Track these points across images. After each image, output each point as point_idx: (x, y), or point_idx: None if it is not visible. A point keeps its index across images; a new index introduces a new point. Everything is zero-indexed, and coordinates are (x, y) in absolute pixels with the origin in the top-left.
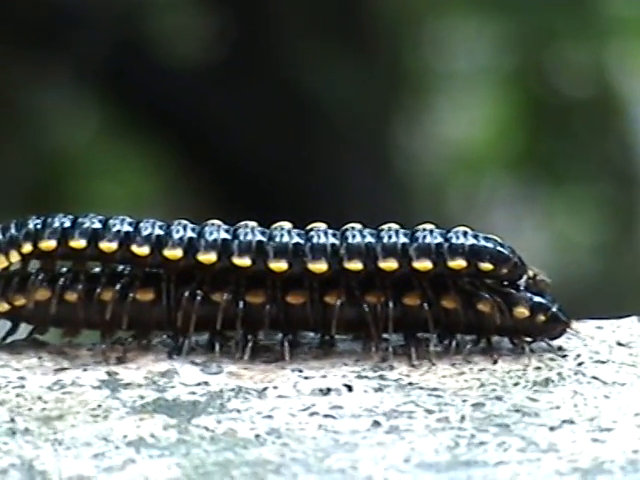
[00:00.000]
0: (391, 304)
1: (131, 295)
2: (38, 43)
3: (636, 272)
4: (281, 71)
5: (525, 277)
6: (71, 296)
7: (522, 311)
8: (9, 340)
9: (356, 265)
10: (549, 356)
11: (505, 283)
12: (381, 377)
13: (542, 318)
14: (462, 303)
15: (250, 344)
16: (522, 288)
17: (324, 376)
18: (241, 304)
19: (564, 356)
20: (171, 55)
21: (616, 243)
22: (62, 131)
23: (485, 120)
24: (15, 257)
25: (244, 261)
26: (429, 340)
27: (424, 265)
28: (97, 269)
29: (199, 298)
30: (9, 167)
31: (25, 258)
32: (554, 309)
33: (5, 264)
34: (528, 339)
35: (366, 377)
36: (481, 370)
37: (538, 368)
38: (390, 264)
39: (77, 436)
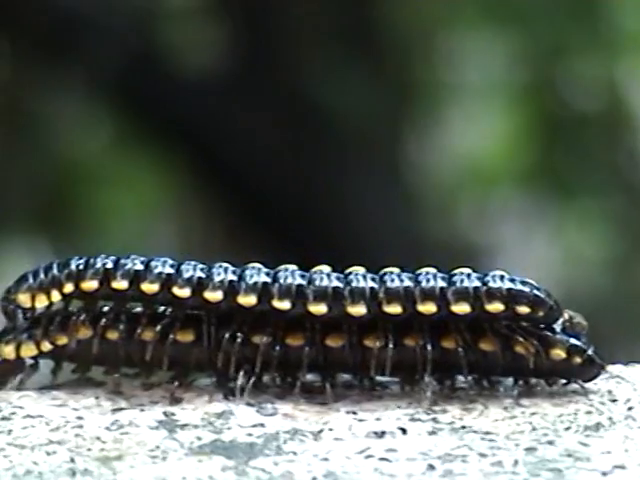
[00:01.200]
0: (429, 347)
1: (172, 336)
2: (53, 52)
3: None
4: (293, 82)
5: (561, 319)
6: (112, 335)
7: (559, 353)
8: (58, 379)
9: (395, 309)
10: (599, 400)
11: (541, 326)
12: (434, 420)
13: (578, 360)
14: (500, 346)
15: (299, 385)
16: (558, 330)
17: (378, 419)
18: (279, 346)
19: (614, 401)
20: (183, 66)
21: (626, 257)
22: (75, 140)
23: (496, 133)
24: (56, 297)
25: (284, 304)
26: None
27: (462, 308)
28: (138, 309)
29: (239, 340)
30: (22, 174)
31: (66, 298)
32: (590, 352)
33: (46, 303)
34: (563, 381)
35: (419, 420)
36: (532, 414)
37: (589, 412)
38: (429, 307)
39: (136, 477)
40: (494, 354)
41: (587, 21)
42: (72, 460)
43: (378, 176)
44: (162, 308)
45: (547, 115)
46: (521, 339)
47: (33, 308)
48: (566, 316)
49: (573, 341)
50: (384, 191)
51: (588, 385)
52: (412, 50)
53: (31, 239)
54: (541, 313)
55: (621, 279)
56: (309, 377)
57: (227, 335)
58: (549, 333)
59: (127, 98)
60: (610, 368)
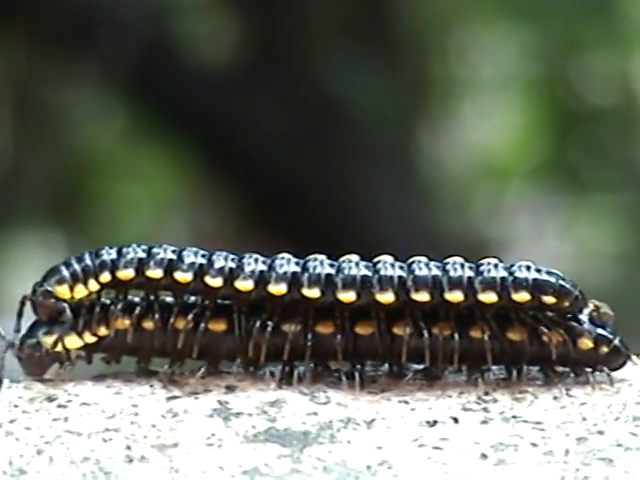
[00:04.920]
0: (457, 336)
1: (203, 325)
2: (67, 44)
3: None
4: (307, 75)
5: (588, 309)
6: (148, 324)
7: (586, 343)
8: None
9: (423, 296)
10: None
11: (567, 316)
12: (485, 410)
13: (605, 350)
14: (527, 335)
15: (358, 375)
16: (585, 320)
17: (430, 408)
18: (310, 335)
19: None
20: (197, 58)
21: (638, 251)
22: (89, 132)
23: (510, 128)
24: (94, 287)
25: (313, 292)
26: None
27: (489, 298)
28: (169, 299)
29: (269, 329)
30: (36, 167)
31: (103, 288)
32: (616, 341)
33: (85, 293)
34: (589, 370)
35: (471, 409)
36: (582, 404)
37: (637, 403)
38: (456, 296)
39: (193, 464)
40: (521, 344)
41: (601, 16)
42: (128, 447)
43: (393, 170)
44: (192, 298)
45: (560, 110)
46: (548, 329)
47: (72, 299)
48: (592, 306)
49: (600, 331)
50: (398, 185)
51: (614, 374)
52: (427, 45)
53: (45, 232)
54: (567, 303)
55: (633, 272)
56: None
57: (258, 324)
58: (575, 323)
59: (141, 90)
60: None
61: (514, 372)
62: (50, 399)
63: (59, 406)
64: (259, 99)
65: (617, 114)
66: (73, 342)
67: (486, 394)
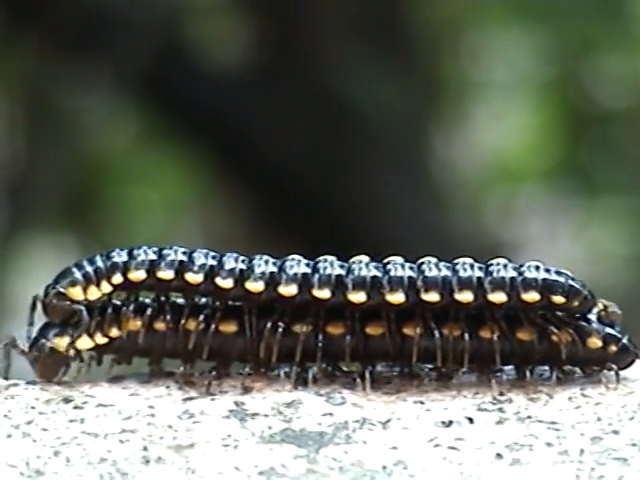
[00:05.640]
0: (467, 336)
1: (214, 326)
2: (80, 46)
3: None
4: (319, 77)
5: (597, 309)
6: (159, 325)
7: (595, 342)
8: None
9: (433, 297)
10: None
11: (576, 315)
12: (500, 410)
13: (614, 349)
14: (537, 335)
15: (369, 376)
16: (593, 320)
17: (445, 408)
18: (321, 335)
19: None
20: (210, 61)
21: None
22: (102, 134)
23: (523, 130)
24: (107, 288)
25: (324, 293)
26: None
27: (499, 298)
28: (179, 300)
29: (280, 330)
30: (48, 169)
31: (116, 289)
32: (624, 340)
33: (98, 295)
34: (597, 369)
35: (486, 410)
36: (597, 404)
37: None
38: (466, 296)
39: (209, 465)
40: (531, 343)
41: (614, 18)
42: (145, 448)
43: (405, 172)
44: (203, 299)
45: (573, 112)
46: (557, 328)
47: (85, 301)
48: (600, 306)
49: (608, 330)
50: (411, 187)
51: (624, 373)
52: (441, 47)
53: (57, 235)
54: (576, 303)
55: None
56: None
57: (269, 325)
58: (584, 323)
59: (154, 93)
60: None
61: (526, 372)
62: (66, 400)
63: (75, 407)
64: (272, 101)
65: (630, 116)
66: (84, 343)
67: (501, 394)
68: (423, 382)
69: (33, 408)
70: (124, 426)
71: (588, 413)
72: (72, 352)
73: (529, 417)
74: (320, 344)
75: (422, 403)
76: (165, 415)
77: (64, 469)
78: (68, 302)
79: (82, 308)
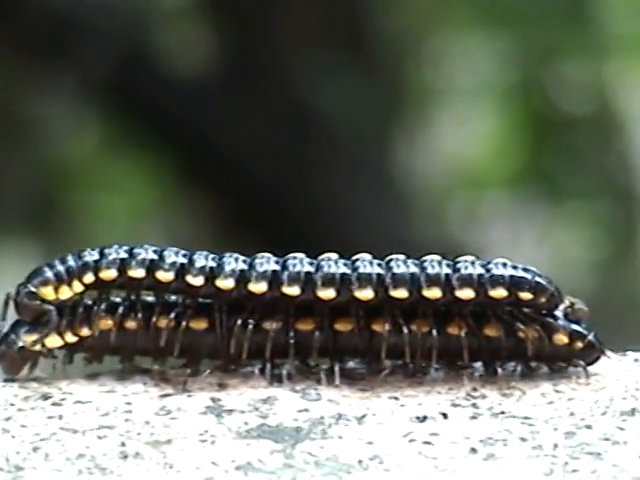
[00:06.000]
0: (435, 332)
1: (184, 323)
2: (43, 54)
3: (634, 289)
4: (283, 84)
5: (563, 306)
6: (130, 324)
7: (561, 338)
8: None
9: (401, 293)
10: (634, 387)
11: (543, 312)
12: (474, 405)
13: (580, 345)
14: (504, 331)
15: (338, 370)
16: (560, 316)
17: (420, 404)
18: (291, 332)
19: None
20: (174, 67)
21: (615, 260)
22: (65, 142)
23: (486, 135)
24: (78, 287)
25: (293, 290)
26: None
27: (466, 294)
28: (150, 298)
29: (251, 327)
30: (11, 177)
31: (87, 288)
32: (590, 337)
33: (70, 294)
34: (564, 364)
35: (460, 405)
36: (570, 399)
37: (624, 398)
38: (434, 293)
39: (187, 460)
40: (498, 340)
41: (577, 24)
42: (123, 444)
43: (369, 178)
44: (173, 297)
45: (536, 118)
46: (524, 325)
47: (56, 300)
48: (567, 302)
49: (574, 326)
50: (374, 193)
51: (595, 369)
52: (403, 53)
53: (22, 242)
54: (543, 299)
55: (609, 280)
56: (351, 364)
57: (239, 322)
58: (551, 319)
59: (118, 100)
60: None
61: (495, 369)
62: (45, 397)
63: (54, 404)
64: (236, 108)
65: (593, 122)
66: (54, 342)
67: (474, 390)
68: (391, 374)
69: (12, 405)
70: (102, 422)
71: (561, 408)
72: (42, 350)
73: (503, 412)
74: (292, 341)
75: (397, 399)
76: (142, 411)
77: (43, 464)
78: (38, 302)
79: (52, 308)
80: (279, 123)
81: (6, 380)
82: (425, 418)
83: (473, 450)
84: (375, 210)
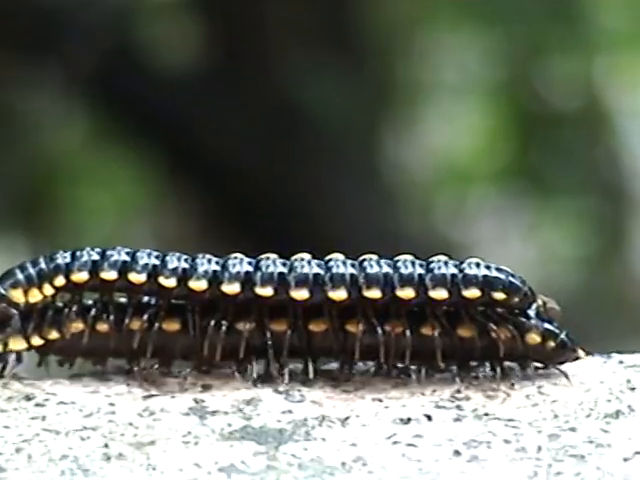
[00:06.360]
0: (408, 333)
1: (157, 325)
2: (28, 48)
3: (621, 285)
4: (270, 79)
5: (535, 305)
6: (102, 326)
7: (533, 337)
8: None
9: (374, 293)
10: (619, 389)
11: (516, 311)
12: (458, 407)
13: (552, 344)
14: (477, 331)
15: (312, 369)
16: (532, 315)
17: (403, 406)
18: (268, 333)
19: (632, 389)
20: (160, 62)
21: (602, 256)
22: (50, 137)
23: (473, 131)
24: (49, 290)
25: (266, 291)
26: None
27: (440, 294)
28: (122, 300)
29: (224, 328)
30: None
31: (57, 291)
32: (562, 336)
33: (40, 297)
34: (537, 365)
35: (444, 407)
36: (554, 402)
37: (608, 400)
38: (407, 293)
39: (170, 462)
40: (471, 340)
41: (565, 20)
42: (106, 445)
43: (356, 174)
44: (146, 298)
45: (524, 113)
46: (498, 324)
47: (26, 303)
48: (540, 301)
49: (547, 326)
50: (362, 189)
51: (563, 367)
52: (390, 49)
53: (7, 237)
54: (516, 299)
55: (596, 277)
56: (334, 365)
57: (212, 323)
58: (524, 318)
59: (104, 94)
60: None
61: (468, 369)
62: (28, 398)
63: (37, 405)
64: (223, 103)
65: (580, 117)
66: (18, 344)
67: (458, 392)
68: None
69: None
70: (85, 423)
71: (545, 410)
72: (6, 352)
73: (487, 414)
74: (269, 342)
75: (380, 401)
76: (126, 412)
77: (26, 465)
78: (4, 304)
79: (15, 312)
80: (265, 118)
81: None
82: (409, 420)
83: (457, 452)
84: (363, 205)
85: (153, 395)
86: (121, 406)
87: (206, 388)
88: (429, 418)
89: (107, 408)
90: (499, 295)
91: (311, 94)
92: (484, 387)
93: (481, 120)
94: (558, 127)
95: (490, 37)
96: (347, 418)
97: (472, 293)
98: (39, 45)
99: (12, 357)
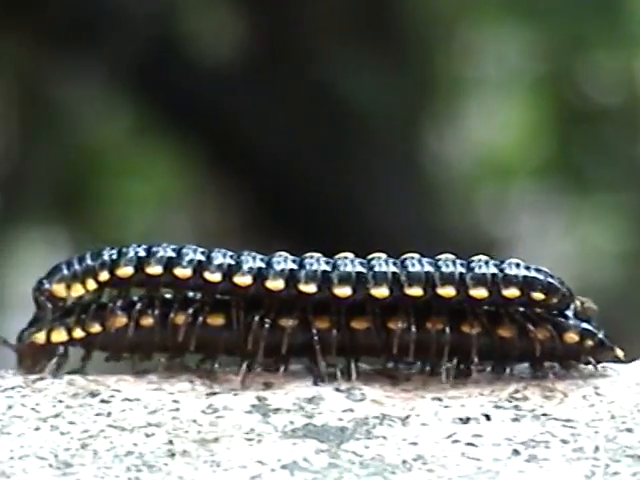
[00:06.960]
0: (448, 330)
1: (201, 319)
2: (72, 40)
3: None
4: (313, 73)
5: (573, 305)
6: (147, 321)
7: (572, 337)
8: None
9: (416, 291)
10: None
11: (554, 312)
12: (516, 407)
13: (590, 343)
14: (516, 331)
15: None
16: (570, 315)
17: (463, 405)
18: (306, 330)
19: None
20: (203, 54)
21: None
22: (94, 128)
23: (515, 126)
24: (92, 285)
25: (310, 288)
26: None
27: (480, 293)
28: (168, 295)
29: (267, 324)
30: (41, 163)
31: (101, 287)
32: (600, 335)
33: (82, 292)
34: (576, 363)
35: (502, 407)
36: (610, 403)
37: None
38: (448, 291)
39: (233, 458)
40: (511, 339)
41: (607, 14)
42: (170, 442)
43: (398, 168)
44: (191, 294)
45: (565, 109)
46: (535, 325)
47: (69, 298)
48: (577, 302)
49: (585, 325)
50: (403, 183)
51: (601, 366)
52: (432, 43)
53: (49, 229)
54: (555, 299)
55: (636, 272)
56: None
57: (256, 319)
58: (562, 319)
59: (147, 87)
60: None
61: (506, 368)
62: (93, 394)
63: (102, 401)
64: (265, 96)
65: (622, 113)
66: (59, 335)
67: (517, 392)
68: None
69: (61, 402)
70: (149, 420)
71: (602, 411)
72: (49, 345)
73: (544, 415)
74: (315, 338)
75: (440, 400)
76: (189, 409)
77: (92, 461)
78: (45, 298)
79: (48, 305)
80: (307, 112)
81: (55, 376)
82: (468, 419)
83: (516, 452)
84: (404, 199)
85: (216, 393)
86: (185, 403)
87: (268, 386)
88: (488, 418)
89: (171, 405)
90: (538, 295)
91: (355, 89)
92: (542, 387)
93: (522, 115)
94: (599, 122)
95: (532, 31)
96: (407, 417)
97: (511, 293)
98: (82, 37)
99: (60, 351)
